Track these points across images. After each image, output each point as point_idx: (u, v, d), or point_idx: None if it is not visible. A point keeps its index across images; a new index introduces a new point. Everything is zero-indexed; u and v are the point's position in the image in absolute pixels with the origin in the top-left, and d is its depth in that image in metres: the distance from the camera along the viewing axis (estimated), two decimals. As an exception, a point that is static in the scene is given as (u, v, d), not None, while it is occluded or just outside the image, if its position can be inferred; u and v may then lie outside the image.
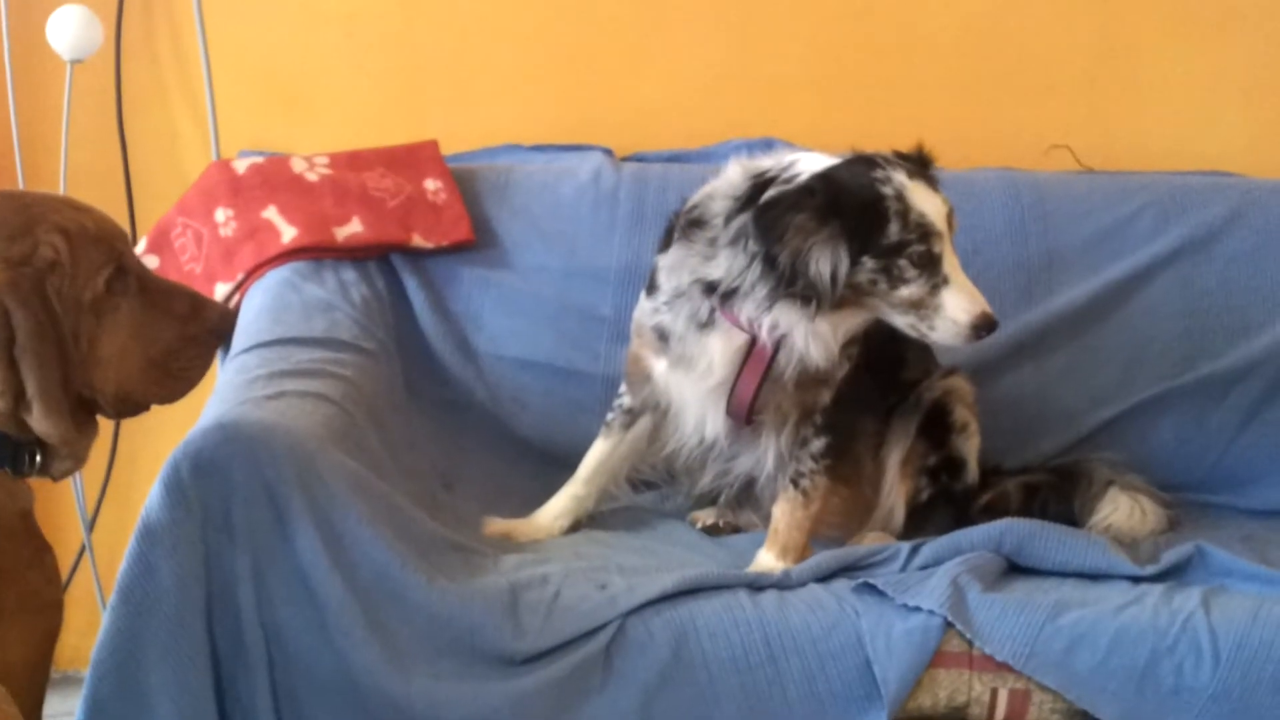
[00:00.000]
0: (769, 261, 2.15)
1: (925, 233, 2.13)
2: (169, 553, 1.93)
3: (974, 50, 3.08)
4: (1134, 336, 2.80)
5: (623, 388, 2.48)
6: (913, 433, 2.47)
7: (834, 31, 3.08)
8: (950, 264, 2.15)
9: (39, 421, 1.70)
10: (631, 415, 2.46)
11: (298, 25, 3.04)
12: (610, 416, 2.48)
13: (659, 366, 2.36)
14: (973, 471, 2.49)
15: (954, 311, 2.14)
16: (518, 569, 2.17)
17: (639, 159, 3.00)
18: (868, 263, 2.14)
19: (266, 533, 1.97)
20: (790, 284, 2.14)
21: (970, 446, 2.48)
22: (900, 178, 2.15)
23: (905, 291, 2.15)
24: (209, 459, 1.96)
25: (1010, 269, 2.81)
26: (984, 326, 2.15)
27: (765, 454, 2.38)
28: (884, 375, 2.43)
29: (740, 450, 2.41)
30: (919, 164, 2.24)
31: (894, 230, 2.13)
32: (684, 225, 2.28)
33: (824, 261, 2.12)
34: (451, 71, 3.06)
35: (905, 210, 2.13)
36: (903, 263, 2.14)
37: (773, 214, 2.16)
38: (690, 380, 2.33)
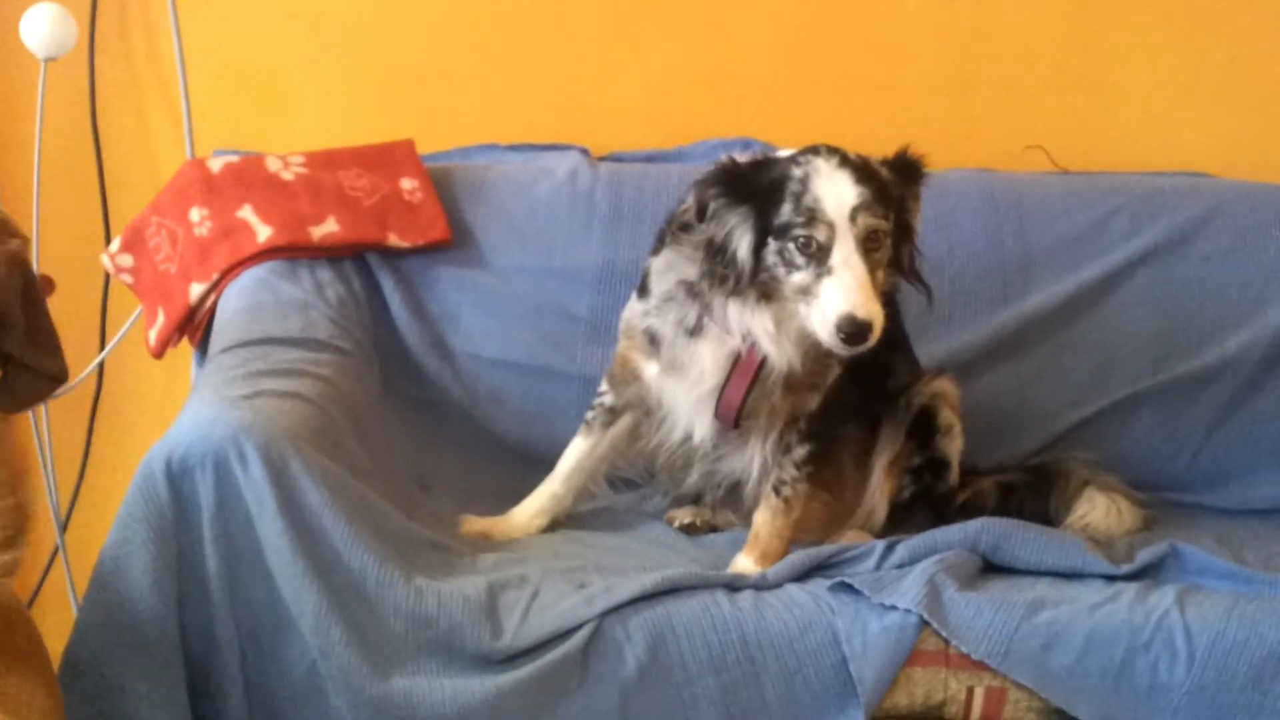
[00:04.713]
0: (707, 244, 2.17)
1: (812, 217, 2.10)
2: (142, 552, 1.94)
3: (950, 51, 3.09)
4: (1109, 336, 2.82)
5: (603, 386, 2.47)
6: (902, 437, 2.46)
7: (811, 32, 3.09)
8: (841, 256, 2.09)
9: None
10: (613, 414, 2.46)
11: (272, 24, 3.03)
12: (590, 415, 2.48)
13: (649, 369, 2.36)
14: (955, 472, 2.49)
15: (825, 304, 2.09)
16: (496, 568, 2.17)
17: (616, 159, 3.00)
18: (772, 244, 2.14)
19: (241, 532, 1.97)
20: (720, 264, 2.16)
21: (954, 448, 2.48)
22: (819, 164, 2.12)
23: (796, 278, 2.12)
24: (184, 458, 1.96)
25: (986, 269, 2.82)
26: (847, 328, 2.06)
27: (751, 459, 2.38)
28: (871, 383, 2.42)
29: (727, 452, 2.42)
30: (901, 168, 2.22)
31: (786, 211, 2.12)
32: (674, 229, 2.28)
33: (742, 240, 2.14)
34: (427, 70, 3.06)
35: (801, 193, 2.11)
36: (791, 246, 2.12)
37: (696, 192, 2.19)
38: (683, 386, 2.33)
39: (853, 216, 2.09)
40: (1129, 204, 2.87)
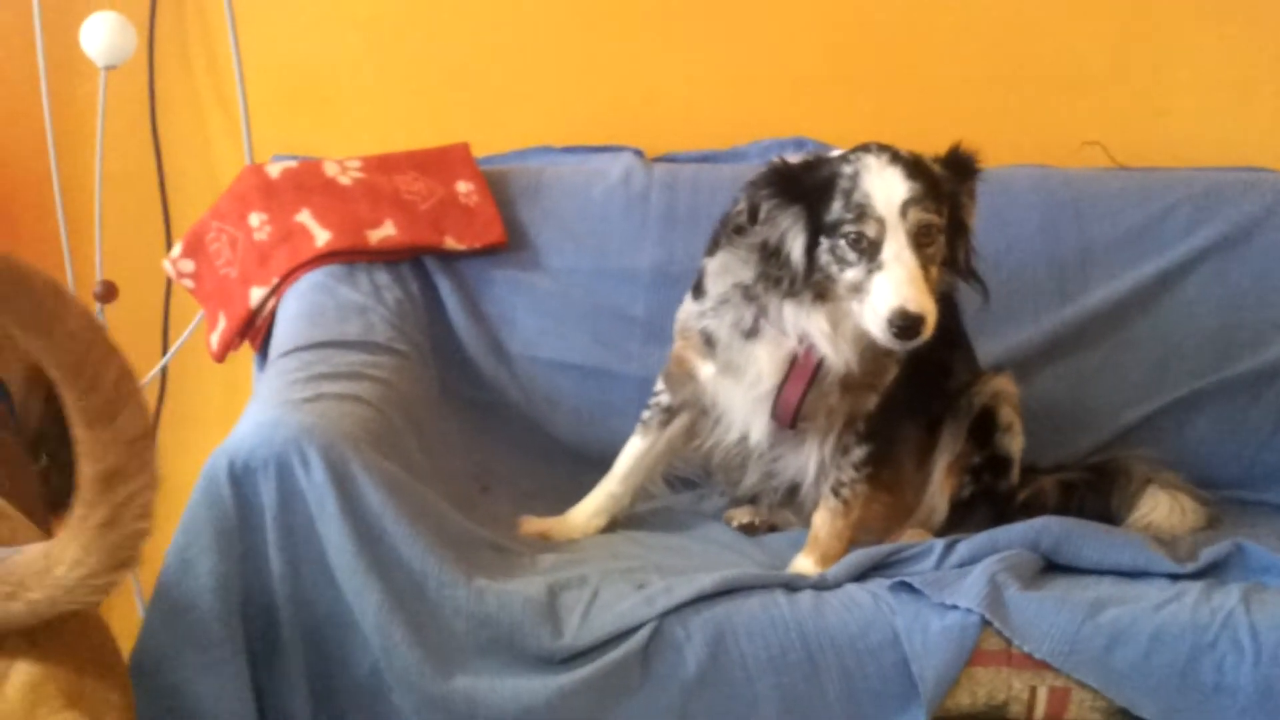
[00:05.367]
0: (761, 247, 2.17)
1: (862, 213, 2.09)
2: (207, 554, 1.95)
3: (1005, 46, 3.07)
4: (1169, 333, 2.79)
5: (659, 385, 2.47)
6: (963, 437, 2.45)
7: (865, 29, 3.08)
8: (892, 251, 2.08)
9: None
10: (669, 413, 2.46)
11: (329, 30, 3.06)
12: (647, 415, 2.48)
13: (705, 370, 2.36)
14: (1016, 470, 2.47)
15: (876, 300, 2.07)
16: (555, 569, 2.18)
17: (670, 160, 3.00)
18: (824, 243, 2.13)
19: (304, 534, 1.98)
20: (774, 266, 2.16)
21: (1015, 446, 2.46)
22: (869, 160, 2.12)
23: (848, 275, 2.11)
24: (247, 461, 1.98)
25: (1044, 267, 2.80)
26: (899, 322, 2.04)
27: (809, 460, 2.37)
28: (930, 383, 2.40)
29: (784, 453, 2.41)
30: (954, 164, 2.20)
31: (837, 208, 2.11)
32: (729, 231, 2.28)
33: (795, 241, 2.14)
34: (482, 74, 3.07)
35: (851, 190, 2.10)
36: (842, 243, 2.11)
37: (748, 194, 2.19)
38: (739, 388, 2.32)
39: (903, 211, 2.08)
40: (1188, 199, 2.85)
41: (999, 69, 3.08)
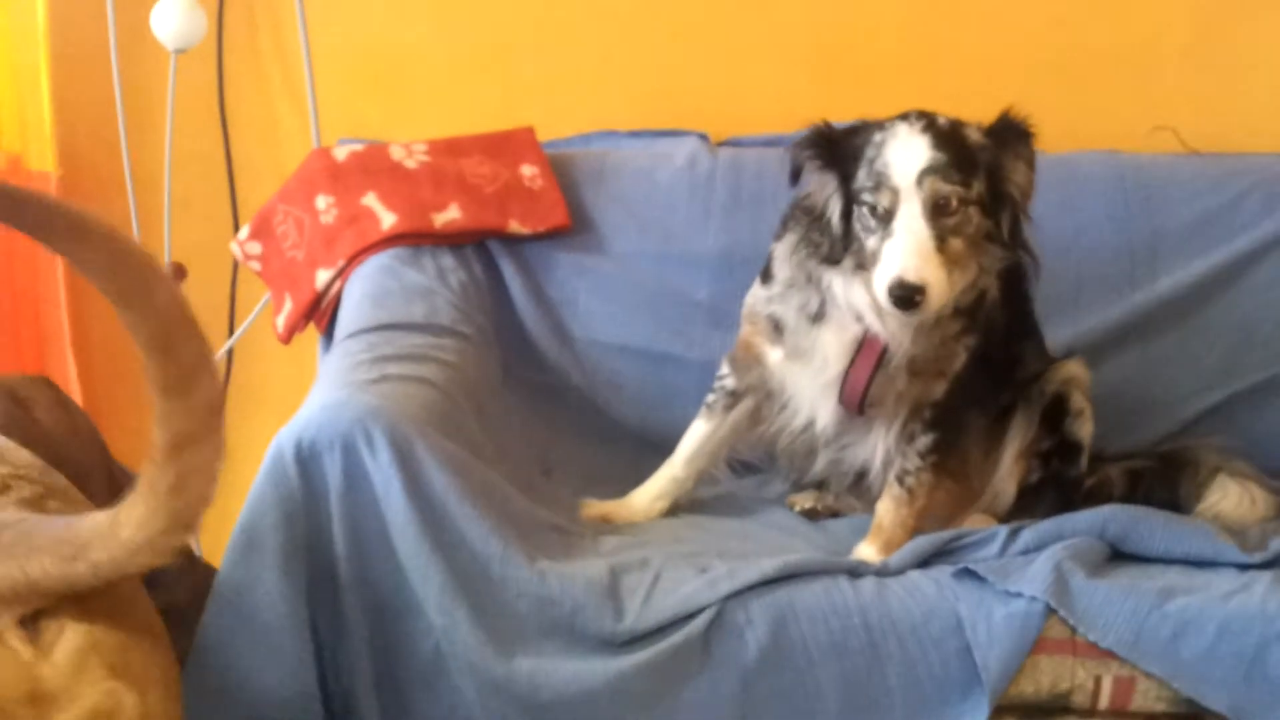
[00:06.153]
0: (806, 211, 2.18)
1: (879, 182, 2.08)
2: (272, 534, 1.96)
3: (1074, 29, 3.03)
4: (1240, 321, 2.75)
5: (724, 369, 2.46)
6: (1035, 424, 2.42)
7: (931, 13, 3.05)
8: (903, 221, 2.07)
9: None
10: (734, 397, 2.45)
11: (396, 14, 3.07)
12: (711, 398, 2.47)
13: (773, 355, 2.35)
14: (1085, 457, 2.44)
15: (881, 268, 2.07)
16: (617, 551, 2.18)
17: (735, 144, 2.99)
18: (855, 210, 2.13)
19: (368, 514, 1.99)
20: (816, 231, 2.17)
21: (1085, 432, 2.43)
22: (900, 129, 2.11)
23: (870, 243, 2.11)
24: (313, 441, 1.99)
25: (1114, 253, 2.77)
26: (897, 291, 2.03)
27: (875, 446, 2.36)
28: (1001, 374, 2.38)
29: (852, 441, 2.39)
30: (1000, 132, 2.17)
31: (861, 176, 2.11)
32: (796, 213, 2.27)
33: (835, 206, 2.15)
34: (548, 58, 3.08)
35: (875, 158, 2.10)
36: (864, 211, 2.11)
37: (791, 154, 2.21)
38: (807, 374, 2.31)
39: (919, 180, 2.07)
40: (1261, 185, 2.80)
41: (1068, 52, 3.04)
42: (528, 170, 2.83)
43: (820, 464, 2.46)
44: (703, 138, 2.98)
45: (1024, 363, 2.44)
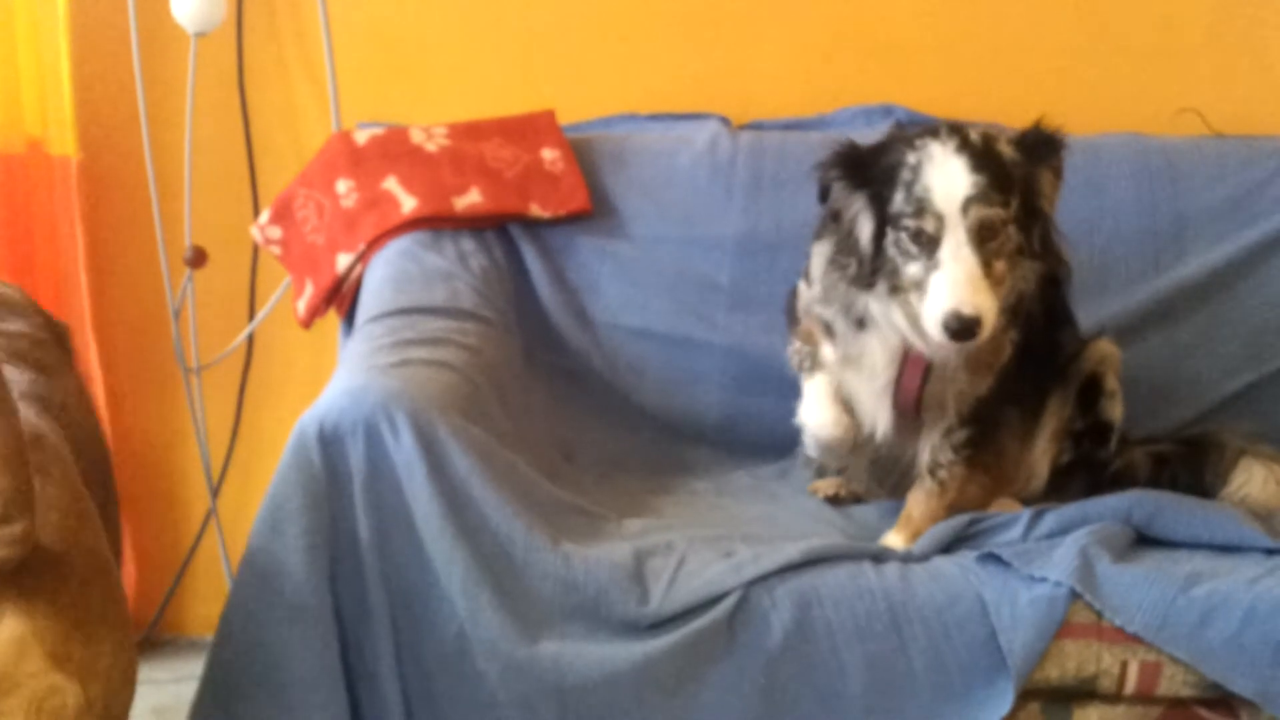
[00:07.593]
0: (835, 216, 2.14)
1: (921, 208, 2.02)
2: (296, 518, 1.96)
3: (1098, 10, 3.01)
4: (1265, 305, 2.73)
5: (795, 344, 2.37)
6: (1070, 406, 2.39)
7: (954, -5, 3.04)
8: (950, 250, 2.01)
9: None
10: (813, 358, 2.35)
11: (416, -2, 3.07)
12: (797, 360, 2.36)
13: (830, 354, 2.29)
14: (1116, 437, 2.42)
15: (931, 300, 2.02)
16: (642, 535, 2.18)
17: (756, 127, 2.97)
18: (889, 234, 2.08)
19: (391, 498, 1.99)
20: (845, 252, 2.13)
21: (1117, 413, 2.40)
22: (934, 149, 2.05)
23: (910, 269, 2.06)
24: (336, 425, 1.99)
25: (1138, 236, 2.75)
26: (953, 325, 1.98)
27: (923, 445, 2.31)
28: (1039, 364, 2.35)
29: (907, 440, 2.34)
30: (1031, 145, 2.12)
31: (899, 200, 2.05)
32: (829, 215, 2.22)
33: (864, 228, 2.10)
34: (568, 41, 3.06)
35: (913, 182, 2.04)
36: (904, 237, 2.06)
37: (818, 175, 2.16)
38: (860, 379, 2.27)
39: (964, 208, 2.02)
40: (1289, 167, 2.78)
41: (1091, 34, 3.02)
42: (548, 154, 2.82)
43: (866, 461, 2.42)
44: (724, 121, 2.97)
45: (1062, 348, 2.41)
